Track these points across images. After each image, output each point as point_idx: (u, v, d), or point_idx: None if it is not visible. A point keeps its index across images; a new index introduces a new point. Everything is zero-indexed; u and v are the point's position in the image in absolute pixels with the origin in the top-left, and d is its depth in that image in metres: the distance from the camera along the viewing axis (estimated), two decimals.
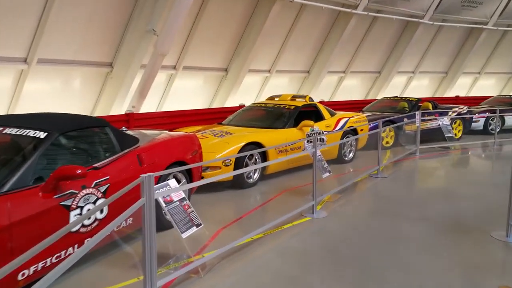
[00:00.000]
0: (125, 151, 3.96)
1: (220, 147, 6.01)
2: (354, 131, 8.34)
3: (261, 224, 4.24)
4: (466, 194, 6.00)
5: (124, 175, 3.72)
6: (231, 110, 8.88)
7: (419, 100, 11.15)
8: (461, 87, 15.88)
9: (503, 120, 12.31)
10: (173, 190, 3.36)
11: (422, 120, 9.60)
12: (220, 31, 9.34)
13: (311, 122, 7.13)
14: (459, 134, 11.32)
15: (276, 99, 8.34)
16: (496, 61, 15.53)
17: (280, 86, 11.86)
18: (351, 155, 8.31)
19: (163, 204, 3.36)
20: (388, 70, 13.79)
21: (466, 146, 10.23)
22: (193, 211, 3.58)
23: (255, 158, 6.32)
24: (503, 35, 14.88)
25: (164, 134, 4.97)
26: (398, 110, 11.09)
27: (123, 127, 4.83)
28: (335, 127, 7.89)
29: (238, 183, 6.08)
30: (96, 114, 7.73)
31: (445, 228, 4.54)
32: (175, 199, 3.50)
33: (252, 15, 9.65)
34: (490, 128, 12.47)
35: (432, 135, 10.90)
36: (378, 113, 10.80)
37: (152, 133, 5.04)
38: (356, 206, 5.48)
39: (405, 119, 10.20)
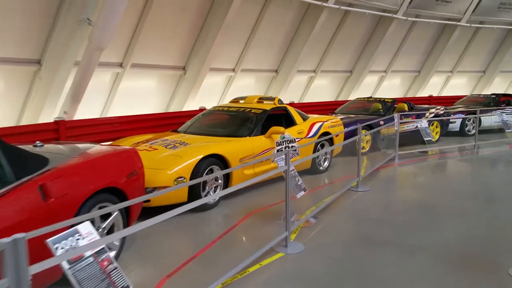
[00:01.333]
0: (22, 180, 2.78)
1: (171, 162, 4.88)
2: (330, 139, 7.42)
3: (219, 268, 3.17)
4: (460, 211, 5.16)
5: (15, 218, 2.56)
6: (191, 114, 7.75)
7: (395, 101, 10.40)
8: (433, 86, 15.38)
9: (479, 121, 11.78)
10: (83, 248, 2.23)
11: (400, 123, 8.81)
12: (175, 23, 8.18)
13: (281, 129, 6.12)
14: (437, 137, 10.66)
15: (241, 101, 7.29)
16: (468, 59, 15.13)
17: (246, 87, 10.82)
18: (326, 163, 7.38)
19: (66, 266, 2.23)
20: (360, 69, 13.03)
21: (445, 150, 9.52)
22: (116, 268, 2.46)
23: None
24: (476, 32, 14.46)
25: (93, 149, 3.80)
26: (372, 112, 10.31)
27: (37, 142, 3.63)
28: (308, 133, 6.92)
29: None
30: (22, 123, 6.40)
31: (449, 261, 3.63)
32: (88, 253, 2.37)
33: (212, 7, 8.55)
34: (466, 129, 11.94)
35: (409, 139, 10.20)
36: (352, 115, 9.96)
37: (79, 148, 3.87)
38: (337, 232, 4.50)
39: (382, 122, 9.41)
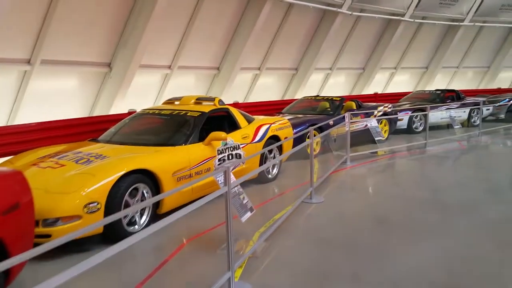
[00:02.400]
0: None
1: (79, 183, 3.81)
2: (277, 140, 6.64)
3: None
4: (424, 226, 4.56)
5: None
6: (118, 118, 6.63)
7: (343, 99, 9.87)
8: (378, 83, 15.21)
9: (425, 117, 11.61)
10: None
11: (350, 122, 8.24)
12: (95, 11, 7.00)
13: (222, 134, 5.22)
14: (386, 135, 10.30)
15: (176, 102, 6.30)
16: (411, 55, 15.11)
17: (185, 86, 9.81)
18: (275, 171, 6.59)
19: None
20: (305, 66, 12.45)
21: (396, 150, 9.11)
22: None
23: (142, 194, 4.25)
24: (419, 28, 14.43)
25: None
26: (320, 111, 9.71)
27: None
28: (254, 137, 6.08)
29: (114, 234, 3.93)
30: None
31: None
32: None
33: None
34: (414, 126, 11.74)
35: (358, 138, 9.73)
36: (299, 115, 9.29)
37: None
38: (292, 263, 3.69)
39: (331, 122, 8.82)
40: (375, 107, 10.34)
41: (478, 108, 12.57)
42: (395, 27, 13.39)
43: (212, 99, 6.00)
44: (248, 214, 3.74)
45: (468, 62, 16.39)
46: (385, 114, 10.30)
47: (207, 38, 9.47)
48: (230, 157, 5.49)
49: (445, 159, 8.43)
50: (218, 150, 5.27)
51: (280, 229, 4.38)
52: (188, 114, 5.55)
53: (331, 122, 8.85)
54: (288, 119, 8.83)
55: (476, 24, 14.65)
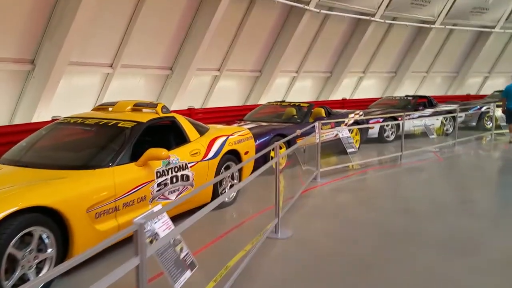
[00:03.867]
0: None
1: None
2: (236, 155, 5.51)
3: None
4: (422, 262, 3.56)
5: None
6: (41, 127, 5.25)
7: (312, 105, 8.87)
8: (345, 88, 14.39)
9: (398, 126, 10.84)
10: None
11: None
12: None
13: (162, 152, 3.98)
14: (357, 145, 9.40)
15: (110, 109, 5.02)
16: (380, 59, 14.40)
17: (131, 89, 8.49)
18: (233, 193, 5.44)
19: None
20: (270, 68, 11.40)
21: (370, 163, 8.16)
22: None
23: (41, 241, 2.99)
24: (388, 30, 13.73)
25: None
26: (286, 118, 8.67)
27: None
28: (207, 153, 4.90)
29: None
30: None
31: None
32: None
33: None
34: (385, 135, 10.94)
35: (328, 149, 8.77)
36: (263, 123, 8.21)
37: None
38: None
39: (299, 131, 7.78)
40: (346, 115, 9.42)
41: (452, 116, 11.99)
42: (364, 28, 12.60)
43: (154, 105, 4.77)
44: (187, 274, 2.59)
45: (437, 67, 15.93)
46: (356, 122, 9.42)
47: (156, 36, 8.22)
48: (175, 180, 4.29)
49: (423, 174, 7.56)
50: (157, 172, 4.06)
51: (236, 283, 3.23)
52: (120, 124, 4.30)
53: (298, 131, 7.82)
54: (250, 128, 7.75)
55: (446, 27, 14.15)
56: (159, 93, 9.04)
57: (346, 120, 9.22)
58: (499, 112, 12.03)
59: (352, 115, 9.52)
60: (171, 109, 8.98)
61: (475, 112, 12.66)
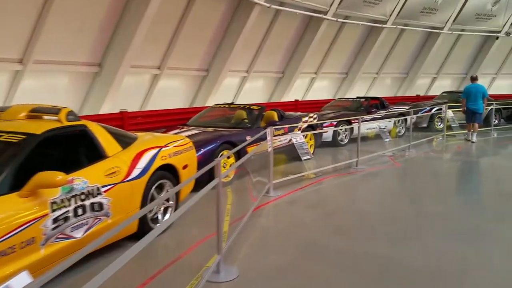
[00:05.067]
0: None
1: None
2: (171, 171, 4.52)
3: None
4: None
5: None
6: None
7: (263, 108, 8.03)
8: (297, 89, 13.72)
9: (350, 128, 10.30)
10: None
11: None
12: None
13: (55, 176, 2.87)
14: (312, 150, 8.69)
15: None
16: (332, 59, 13.86)
17: (51, 89, 7.21)
18: (167, 216, 4.45)
19: None
20: (218, 67, 10.45)
21: (326, 171, 7.43)
22: None
23: None
24: (341, 29, 13.20)
25: None
26: (235, 122, 7.78)
27: None
28: (130, 171, 3.87)
29: None
30: None
31: None
32: None
33: None
34: (339, 138, 10.35)
35: (280, 155, 8.00)
36: (210, 128, 7.25)
37: None
38: None
39: (248, 137, 6.91)
40: (300, 118, 8.68)
41: (404, 118, 11.67)
42: (317, 26, 11.97)
43: (55, 111, 3.65)
44: None
45: (388, 68, 15.72)
46: (310, 125, 8.71)
47: (80, 23, 7.02)
48: (80, 211, 3.23)
49: (381, 182, 6.96)
50: (52, 203, 2.99)
51: None
52: (3, 138, 3.17)
53: (247, 137, 6.95)
54: (194, 134, 6.79)
55: (398, 26, 13.88)
56: (85, 93, 7.80)
57: (300, 124, 8.48)
58: (450, 113, 11.91)
59: (306, 118, 8.80)
60: (100, 112, 7.79)
61: (426, 113, 12.47)
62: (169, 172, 4.50)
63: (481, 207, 5.55)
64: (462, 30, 15.68)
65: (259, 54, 11.69)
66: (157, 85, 9.32)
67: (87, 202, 3.28)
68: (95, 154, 3.71)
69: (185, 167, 4.77)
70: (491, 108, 12.73)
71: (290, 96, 13.16)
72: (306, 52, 12.31)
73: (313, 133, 8.63)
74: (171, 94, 10.12)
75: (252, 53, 11.59)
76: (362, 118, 8.37)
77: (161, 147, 4.45)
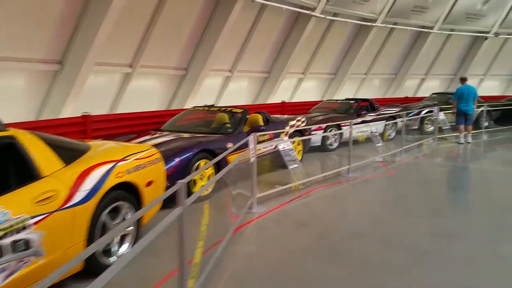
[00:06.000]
0: None
1: None
2: (131, 190, 3.72)
3: None
4: None
5: None
6: None
7: (247, 111, 7.26)
8: (284, 90, 12.98)
9: (340, 132, 9.60)
10: None
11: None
12: None
13: None
14: (300, 156, 7.96)
15: None
16: (320, 59, 13.14)
17: (5, 90, 6.32)
18: (124, 248, 3.64)
19: None
20: (198, 66, 9.65)
21: (315, 181, 6.68)
22: None
23: None
24: (329, 27, 12.50)
25: None
26: (216, 127, 7.00)
27: None
28: (72, 194, 3.05)
29: None
30: None
31: None
32: None
33: None
34: (328, 143, 9.66)
35: (265, 163, 7.27)
36: (185, 134, 6.45)
37: None
38: None
39: (230, 144, 6.14)
40: (286, 122, 7.95)
41: (395, 121, 11.05)
42: (305, 23, 11.24)
43: None
44: None
45: (376, 69, 15.12)
46: (298, 129, 7.97)
47: (35, 15, 6.14)
48: None
49: (376, 193, 6.24)
50: None
51: None
52: None
53: (229, 145, 6.18)
54: (167, 141, 5.99)
55: (388, 25, 13.26)
56: (44, 95, 6.91)
57: (287, 128, 7.74)
58: (441, 115, 11.36)
59: (294, 122, 8.07)
60: (60, 116, 6.93)
61: (418, 116, 11.89)
62: (128, 191, 3.70)
63: (498, 224, 4.87)
64: (452, 30, 15.18)
65: (243, 53, 10.91)
66: (128, 85, 8.46)
67: (6, 241, 2.46)
68: (25, 174, 2.88)
69: (149, 184, 3.97)
70: (482, 110, 12.24)
71: (277, 97, 12.43)
72: (293, 51, 11.59)
73: (300, 136, 7.91)
74: (146, 95, 9.27)
75: (236, 51, 10.81)
76: (353, 121, 7.66)
77: (117, 161, 3.64)
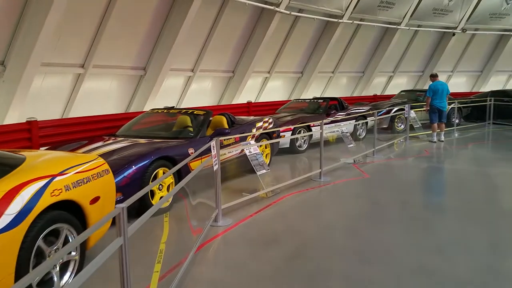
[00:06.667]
0: None
1: None
2: (73, 209, 3.16)
3: None
4: None
5: None
6: None
7: (210, 113, 6.75)
8: (250, 90, 12.55)
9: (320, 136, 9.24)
10: None
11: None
12: None
13: None
14: (268, 160, 7.54)
15: None
16: (285, 58, 12.78)
17: None
18: (66, 279, 3.08)
19: None
20: (156, 66, 9.04)
21: (285, 188, 6.26)
22: None
23: None
24: (294, 24, 12.15)
25: None
26: (177, 131, 6.46)
27: None
28: None
29: None
30: None
31: None
32: None
33: None
34: (297, 144, 9.30)
35: (230, 168, 6.79)
36: (142, 139, 5.88)
37: None
38: None
39: (191, 150, 5.63)
40: (253, 123, 7.50)
41: (364, 120, 10.83)
42: (269, 19, 10.84)
43: None
44: None
45: (343, 67, 14.92)
46: (267, 133, 7.53)
47: None
48: None
49: (350, 200, 5.86)
50: None
51: None
52: None
53: (191, 151, 5.66)
54: (121, 148, 5.41)
55: (354, 22, 13.05)
56: None
57: (253, 130, 7.29)
58: (412, 113, 11.25)
59: (261, 123, 7.63)
60: (4, 122, 6.20)
61: (389, 114, 11.74)
62: (69, 211, 3.14)
63: (491, 236, 4.59)
64: (419, 26, 15.19)
65: (205, 51, 10.38)
66: (82, 87, 7.76)
67: None
68: None
69: (94, 200, 3.42)
70: (452, 107, 12.26)
71: (242, 97, 11.97)
72: (257, 49, 11.16)
73: (268, 139, 7.48)
74: (102, 98, 8.59)
75: (197, 49, 10.27)
76: (323, 122, 7.31)
77: (53, 176, 3.06)
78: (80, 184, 3.27)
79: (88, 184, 3.37)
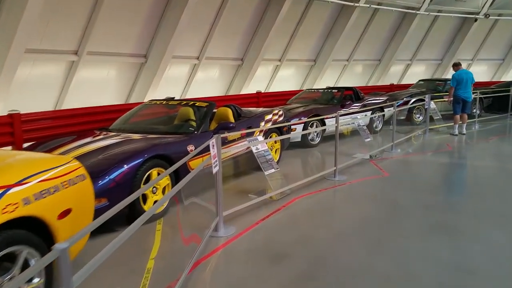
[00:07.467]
0: None
1: None
2: (36, 226, 2.56)
3: None
4: None
5: None
6: None
7: (213, 105, 6.08)
8: (260, 79, 11.86)
9: (323, 125, 8.57)
10: None
11: (222, 147, 4.48)
12: None
13: None
14: (277, 157, 6.90)
15: None
16: (298, 45, 12.03)
17: None
18: None
19: None
20: (158, 53, 8.40)
21: (297, 188, 5.60)
22: None
23: None
24: (307, 9, 11.38)
25: None
26: (178, 125, 5.83)
27: None
28: None
29: None
30: None
31: None
32: None
33: None
34: (310, 138, 8.63)
35: (236, 165, 6.19)
36: (136, 135, 5.26)
37: None
38: None
39: (191, 148, 5.01)
40: (261, 116, 6.83)
41: (382, 113, 10.09)
42: (280, 3, 10.09)
43: None
44: None
45: (359, 54, 14.12)
46: (276, 125, 6.87)
47: None
48: None
49: (369, 203, 5.14)
50: None
51: None
52: None
53: (190, 148, 5.04)
54: (112, 145, 4.80)
55: (371, 6, 12.22)
56: None
57: (262, 124, 6.64)
58: (432, 104, 10.46)
59: (270, 116, 6.96)
60: None
61: (407, 105, 10.97)
62: (30, 228, 2.55)
63: None
64: (440, 11, 14.25)
65: (211, 37, 9.70)
66: (75, 75, 7.17)
67: None
68: None
69: (64, 214, 2.81)
70: (474, 98, 11.42)
71: (251, 87, 11.29)
72: (268, 35, 10.45)
73: (278, 134, 6.82)
74: (99, 87, 7.99)
75: (203, 35, 9.60)
76: (339, 114, 6.60)
77: (8, 187, 2.46)
78: (44, 195, 2.66)
79: (55, 194, 2.75)
